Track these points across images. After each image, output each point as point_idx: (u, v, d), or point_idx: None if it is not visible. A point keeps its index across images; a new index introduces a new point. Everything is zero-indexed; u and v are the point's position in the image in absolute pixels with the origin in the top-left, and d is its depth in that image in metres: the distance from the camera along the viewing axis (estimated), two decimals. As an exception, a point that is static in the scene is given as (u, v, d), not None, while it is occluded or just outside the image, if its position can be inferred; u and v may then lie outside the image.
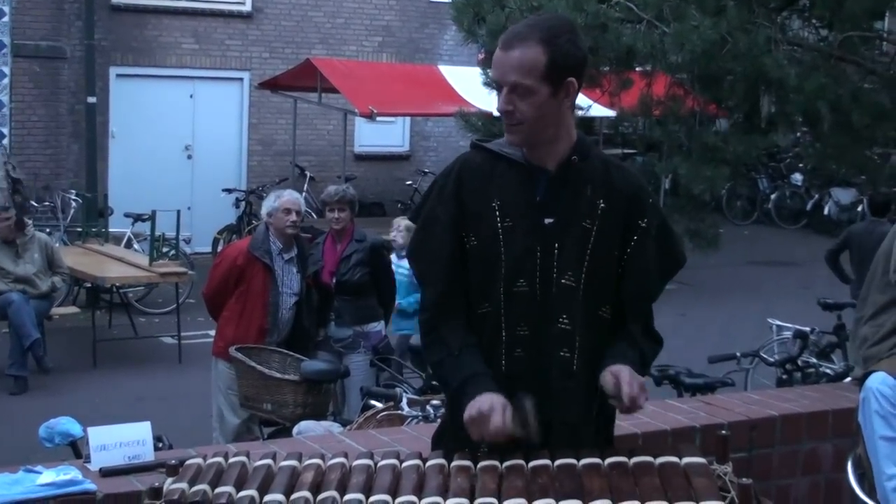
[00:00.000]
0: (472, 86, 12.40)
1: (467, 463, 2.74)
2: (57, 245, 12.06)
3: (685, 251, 3.35)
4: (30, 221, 11.23)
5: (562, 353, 2.94)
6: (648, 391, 2.90)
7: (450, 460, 2.78)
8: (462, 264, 3.00)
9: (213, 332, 7.87)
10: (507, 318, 2.95)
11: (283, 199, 7.49)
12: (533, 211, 2.96)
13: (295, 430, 6.00)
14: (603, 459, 2.72)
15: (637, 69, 8.47)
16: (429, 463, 2.76)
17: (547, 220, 2.95)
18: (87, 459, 3.68)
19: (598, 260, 2.96)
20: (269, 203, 7.55)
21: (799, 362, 8.45)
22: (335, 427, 5.96)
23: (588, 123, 19.61)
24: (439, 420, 3.01)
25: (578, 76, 2.95)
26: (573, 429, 2.94)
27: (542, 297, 2.94)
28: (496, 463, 2.73)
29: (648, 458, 2.69)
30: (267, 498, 2.61)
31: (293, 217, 7.47)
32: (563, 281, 2.94)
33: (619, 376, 2.82)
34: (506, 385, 2.92)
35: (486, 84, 8.93)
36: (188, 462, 2.81)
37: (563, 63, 2.89)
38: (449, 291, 3.00)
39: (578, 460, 2.72)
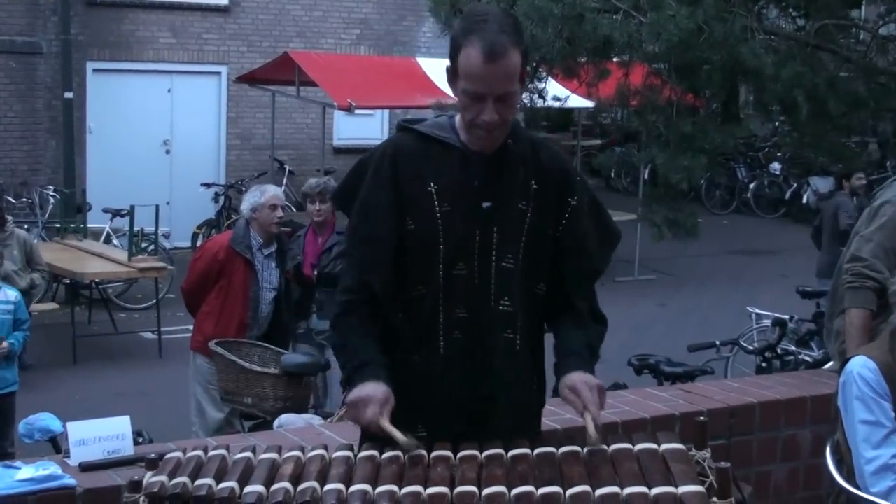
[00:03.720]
0: (450, 78, 12.37)
1: (447, 453, 2.75)
2: (35, 241, 11.99)
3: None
4: (10, 218, 11.16)
5: (506, 335, 2.99)
6: (605, 386, 2.97)
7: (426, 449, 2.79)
8: (400, 250, 3.01)
9: (192, 327, 7.85)
10: (445, 300, 2.97)
11: (268, 195, 7.46)
12: (471, 195, 2.98)
13: (276, 423, 5.99)
14: (582, 447, 2.73)
15: (614, 59, 8.50)
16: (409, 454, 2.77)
17: (485, 204, 2.97)
18: (67, 454, 3.68)
19: (533, 240, 3.00)
20: (252, 198, 7.49)
21: (778, 350, 8.49)
22: (316, 420, 5.95)
23: (566, 114, 19.67)
24: None
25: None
26: (517, 408, 3.01)
27: (480, 280, 2.97)
28: (476, 452, 2.74)
29: (627, 445, 2.71)
30: (247, 489, 2.61)
31: (279, 213, 7.46)
32: (503, 263, 2.98)
33: (578, 391, 2.87)
34: (443, 367, 2.98)
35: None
36: (168, 456, 2.80)
37: (527, 59, 2.96)
38: (391, 282, 3.00)
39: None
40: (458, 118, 3.03)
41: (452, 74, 2.95)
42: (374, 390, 2.88)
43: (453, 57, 2.92)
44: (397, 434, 2.79)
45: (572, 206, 3.05)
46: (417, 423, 2.97)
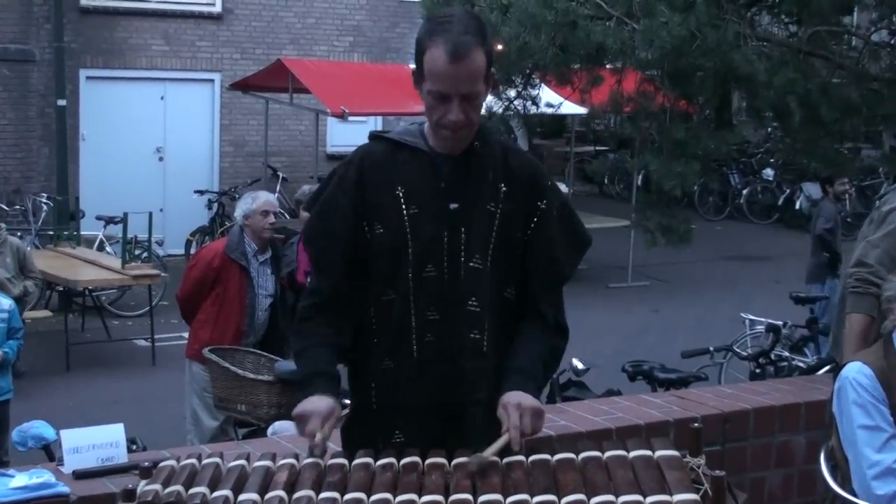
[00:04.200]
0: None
1: (441, 460, 2.74)
2: (29, 249, 11.97)
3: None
4: (3, 225, 11.14)
5: (472, 335, 2.99)
6: (545, 414, 2.95)
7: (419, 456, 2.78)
8: (358, 255, 3.02)
9: (186, 334, 7.84)
10: (416, 303, 2.99)
11: (260, 201, 7.46)
12: (438, 197, 3.00)
13: (270, 430, 5.98)
14: (577, 454, 2.73)
15: (607, 66, 8.49)
16: (402, 461, 2.77)
17: (452, 206, 3.00)
18: (60, 462, 3.66)
19: (503, 242, 3.02)
20: (245, 205, 7.50)
21: (772, 356, 8.50)
22: (310, 427, 5.94)
23: (560, 121, 19.68)
24: None
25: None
26: (486, 410, 2.97)
27: (450, 281, 2.98)
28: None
29: (622, 452, 2.70)
30: (241, 498, 2.60)
31: (271, 219, 7.46)
32: (471, 264, 2.99)
33: (508, 413, 2.83)
34: (417, 371, 2.99)
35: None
36: (162, 464, 2.80)
37: (492, 60, 2.98)
38: (341, 283, 3.04)
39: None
40: (426, 125, 3.04)
41: (418, 77, 2.97)
42: (317, 404, 2.88)
43: (418, 59, 2.95)
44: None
45: (542, 210, 3.06)
46: (394, 430, 3.00)
